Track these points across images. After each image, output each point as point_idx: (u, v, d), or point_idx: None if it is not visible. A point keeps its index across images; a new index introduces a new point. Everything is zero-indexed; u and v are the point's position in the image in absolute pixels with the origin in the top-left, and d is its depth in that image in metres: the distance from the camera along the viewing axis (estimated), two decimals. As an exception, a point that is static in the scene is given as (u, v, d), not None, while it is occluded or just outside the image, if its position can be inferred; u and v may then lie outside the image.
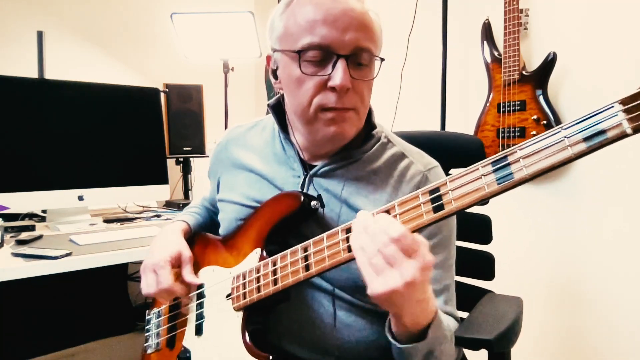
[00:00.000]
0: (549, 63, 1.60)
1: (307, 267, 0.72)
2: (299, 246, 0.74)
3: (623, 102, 0.49)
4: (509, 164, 0.56)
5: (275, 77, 0.87)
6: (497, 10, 1.73)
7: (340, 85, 0.75)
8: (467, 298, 1.14)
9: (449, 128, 1.90)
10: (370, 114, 0.89)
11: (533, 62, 1.70)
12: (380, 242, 0.60)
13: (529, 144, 0.55)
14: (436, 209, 0.61)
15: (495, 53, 1.76)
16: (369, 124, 0.89)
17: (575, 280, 1.67)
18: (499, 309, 0.99)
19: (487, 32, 1.81)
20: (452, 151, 1.21)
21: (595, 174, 1.60)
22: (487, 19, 1.81)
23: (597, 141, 0.51)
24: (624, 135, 0.50)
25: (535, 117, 1.62)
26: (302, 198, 0.80)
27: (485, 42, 1.80)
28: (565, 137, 0.53)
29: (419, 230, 0.63)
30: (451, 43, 1.89)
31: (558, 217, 1.71)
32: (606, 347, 1.59)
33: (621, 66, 1.51)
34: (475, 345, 0.85)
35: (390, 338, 0.70)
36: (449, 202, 0.60)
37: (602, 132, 0.50)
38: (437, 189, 0.61)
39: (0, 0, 2.08)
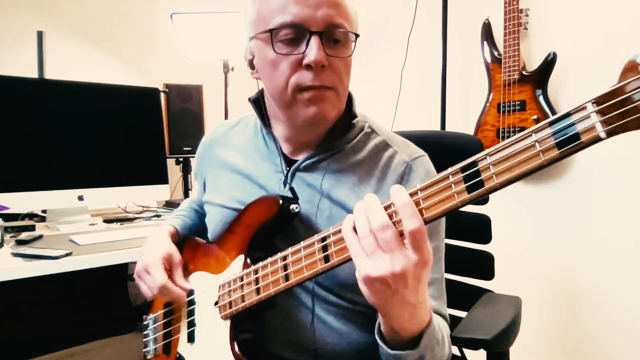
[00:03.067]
0: (549, 63, 1.60)
1: (286, 277, 0.72)
2: (278, 256, 0.73)
3: (597, 101, 0.45)
4: (478, 171, 0.53)
5: (252, 67, 0.86)
6: (497, 10, 1.73)
7: (315, 61, 0.74)
8: (467, 297, 1.14)
9: (449, 128, 1.90)
10: (350, 102, 0.88)
11: (533, 62, 1.70)
12: (376, 224, 0.57)
13: (499, 149, 0.52)
14: None
15: (495, 53, 1.76)
16: (350, 113, 0.87)
17: (575, 280, 1.67)
18: (498, 309, 0.99)
19: (487, 32, 1.80)
20: (452, 151, 1.21)
21: (594, 174, 1.60)
22: (487, 19, 1.81)
23: (569, 146, 0.47)
24: (597, 140, 0.46)
25: (535, 117, 1.62)
26: (281, 202, 0.79)
27: (485, 42, 1.80)
28: (536, 141, 0.49)
29: None
30: (451, 43, 1.89)
31: (557, 217, 1.71)
32: (605, 347, 1.59)
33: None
34: (473, 345, 0.85)
35: (379, 341, 0.67)
36: (420, 211, 0.57)
37: (575, 136, 0.47)
38: None
39: (0, 0, 2.08)
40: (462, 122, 1.96)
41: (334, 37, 0.77)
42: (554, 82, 1.63)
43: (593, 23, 1.58)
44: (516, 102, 1.67)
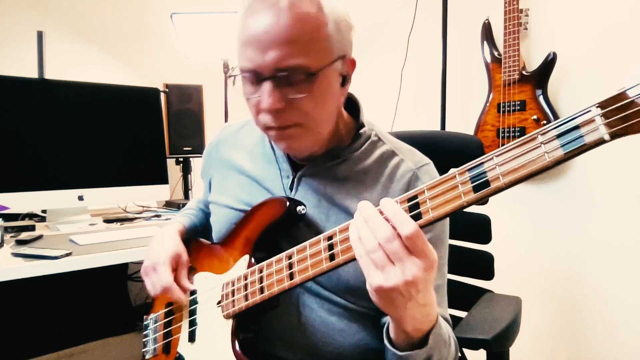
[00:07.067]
0: (549, 63, 1.60)
1: (291, 276, 0.72)
2: (283, 254, 0.74)
3: (601, 105, 0.47)
4: (485, 171, 0.54)
5: None
6: (497, 10, 1.73)
7: (265, 109, 0.73)
8: (467, 298, 1.14)
9: (449, 128, 1.90)
10: (358, 111, 0.88)
11: (533, 62, 1.70)
12: (382, 237, 0.57)
13: (505, 150, 0.53)
14: (414, 218, 0.58)
15: (495, 53, 1.76)
16: (358, 122, 0.87)
17: (575, 280, 1.67)
18: (498, 309, 0.99)
19: (487, 32, 1.81)
20: (452, 151, 1.22)
21: (594, 173, 1.60)
22: (487, 19, 1.81)
23: (574, 148, 0.48)
24: (601, 142, 0.47)
25: (535, 117, 1.62)
26: (288, 204, 0.79)
27: (485, 42, 1.80)
28: (542, 143, 0.50)
29: None
30: (451, 43, 1.89)
31: (557, 217, 1.71)
32: (605, 347, 1.59)
33: (621, 66, 1.51)
34: (473, 345, 0.85)
35: (387, 344, 0.68)
36: (427, 211, 0.58)
37: (579, 137, 0.48)
38: (414, 197, 0.59)
39: (0, 0, 2.08)
40: (462, 122, 1.96)
41: (290, 78, 0.72)
42: (554, 82, 1.63)
43: (593, 23, 1.58)
44: (516, 102, 1.67)
